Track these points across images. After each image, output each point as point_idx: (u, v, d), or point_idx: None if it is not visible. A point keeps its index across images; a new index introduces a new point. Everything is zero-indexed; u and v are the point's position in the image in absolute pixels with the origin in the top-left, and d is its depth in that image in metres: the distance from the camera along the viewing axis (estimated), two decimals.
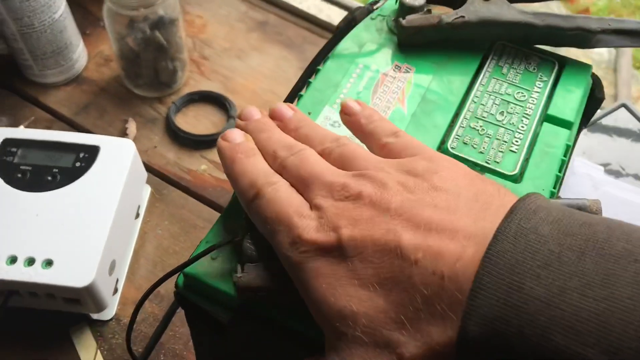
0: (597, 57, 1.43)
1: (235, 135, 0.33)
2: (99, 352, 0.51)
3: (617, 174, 0.56)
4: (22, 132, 0.55)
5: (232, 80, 0.69)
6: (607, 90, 1.47)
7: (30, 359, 0.51)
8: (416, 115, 0.41)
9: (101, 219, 0.50)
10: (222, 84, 0.69)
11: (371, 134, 0.33)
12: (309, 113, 0.41)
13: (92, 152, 0.54)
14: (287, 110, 0.35)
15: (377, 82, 0.43)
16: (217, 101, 0.67)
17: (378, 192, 0.28)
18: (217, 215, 0.59)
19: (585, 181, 0.55)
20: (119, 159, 0.54)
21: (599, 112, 0.61)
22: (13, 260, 0.48)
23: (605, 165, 0.57)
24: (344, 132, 0.40)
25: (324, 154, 0.31)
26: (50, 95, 0.67)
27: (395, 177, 0.28)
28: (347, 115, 0.35)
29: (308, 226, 0.28)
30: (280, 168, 0.31)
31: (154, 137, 0.64)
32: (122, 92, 0.68)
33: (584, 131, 0.61)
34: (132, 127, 0.64)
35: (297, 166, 0.30)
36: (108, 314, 0.53)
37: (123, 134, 0.64)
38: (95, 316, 0.53)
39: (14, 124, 0.65)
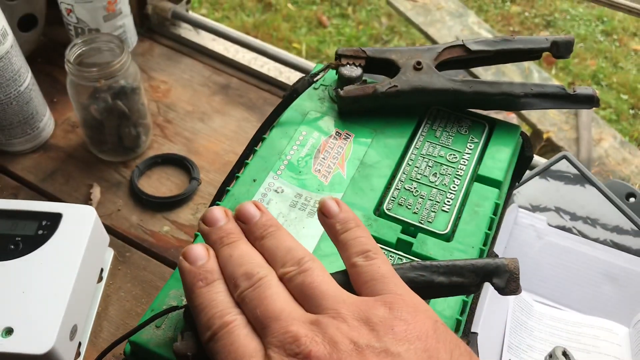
0: None
1: (197, 253, 0.33)
2: None
3: (560, 218, 0.59)
4: None
5: (195, 142, 0.72)
6: (569, 133, 1.51)
7: None
8: (355, 179, 0.43)
9: (62, 285, 0.52)
10: (185, 146, 0.72)
11: (344, 245, 0.34)
12: (254, 180, 0.43)
13: (54, 220, 0.56)
14: (254, 211, 0.35)
15: (319, 148, 0.45)
16: (179, 163, 0.69)
17: (327, 354, 0.28)
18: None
19: (530, 231, 0.57)
20: (80, 226, 0.56)
21: (543, 164, 0.64)
22: None
23: (549, 210, 0.60)
24: (288, 197, 0.42)
25: (284, 280, 0.32)
26: (17, 162, 0.69)
27: (348, 332, 0.29)
28: (324, 216, 0.35)
29: (300, 338, 0.28)
30: (240, 299, 0.31)
31: (118, 200, 0.66)
32: (87, 157, 0.70)
33: (533, 180, 0.64)
34: (96, 191, 0.66)
35: (255, 304, 0.31)
36: None
37: (88, 199, 0.66)
38: None
39: None
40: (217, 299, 0.31)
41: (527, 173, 0.64)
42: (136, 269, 0.61)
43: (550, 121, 1.44)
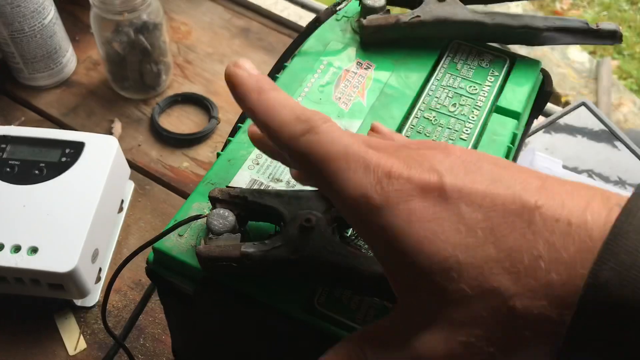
0: (578, 66, 1.47)
1: (250, 66, 0.28)
2: (81, 336, 0.54)
3: (574, 169, 0.60)
4: (11, 130, 0.58)
5: (214, 83, 0.73)
6: (588, 97, 1.50)
7: (15, 343, 0.53)
8: (374, 107, 0.44)
9: (84, 210, 0.53)
10: (204, 86, 0.72)
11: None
12: None
13: (77, 148, 0.57)
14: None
15: (340, 77, 0.46)
16: (199, 102, 0.70)
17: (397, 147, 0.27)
18: None
19: (546, 173, 0.58)
20: (102, 155, 0.57)
21: (560, 111, 0.64)
22: (0, 247, 0.51)
23: (564, 160, 0.60)
24: None
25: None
26: (40, 97, 0.70)
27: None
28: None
29: (395, 163, 0.24)
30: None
31: (139, 136, 0.67)
32: (109, 94, 0.71)
33: (547, 130, 0.64)
34: (117, 126, 0.67)
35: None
36: (91, 300, 0.56)
37: (109, 133, 0.67)
38: (78, 303, 0.55)
39: (4, 123, 0.68)
40: (294, 101, 0.27)
41: (545, 120, 0.64)
42: (156, 201, 0.63)
43: (569, 85, 1.43)
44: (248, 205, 0.36)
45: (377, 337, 0.25)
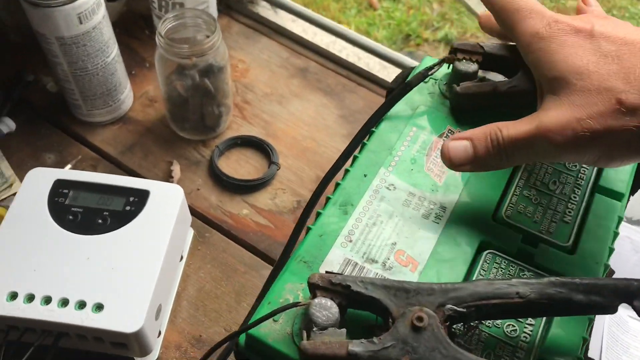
0: None
1: None
2: None
3: None
4: (73, 174, 0.57)
5: (273, 126, 0.71)
6: None
7: None
8: (470, 182, 0.42)
9: (150, 264, 0.52)
10: (263, 128, 0.71)
11: None
12: (365, 175, 0.42)
13: (142, 196, 0.55)
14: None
15: (431, 146, 0.44)
16: (258, 146, 0.68)
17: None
18: (258, 260, 0.60)
19: (626, 244, 0.55)
20: (167, 204, 0.55)
21: None
22: (64, 303, 0.49)
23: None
24: (401, 196, 0.41)
25: None
26: (96, 134, 0.69)
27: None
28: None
29: (563, 16, 0.37)
30: None
31: (197, 179, 0.66)
32: (166, 133, 0.69)
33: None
34: (177, 169, 0.66)
35: None
36: (151, 357, 0.54)
37: (168, 175, 0.65)
38: (138, 359, 0.53)
39: (61, 160, 0.66)
40: None
41: None
42: (215, 250, 0.61)
43: None
44: (350, 295, 0.34)
45: (510, 123, 0.37)
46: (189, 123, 0.67)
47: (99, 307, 0.49)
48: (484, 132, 0.37)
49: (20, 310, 0.48)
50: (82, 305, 0.49)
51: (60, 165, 0.66)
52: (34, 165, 0.66)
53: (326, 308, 0.33)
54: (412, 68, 0.49)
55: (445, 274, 0.38)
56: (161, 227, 0.54)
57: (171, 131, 0.69)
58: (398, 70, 0.77)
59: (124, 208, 0.55)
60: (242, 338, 0.36)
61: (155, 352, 0.54)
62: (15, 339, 0.50)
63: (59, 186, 0.56)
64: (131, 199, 0.55)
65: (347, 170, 0.43)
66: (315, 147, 0.69)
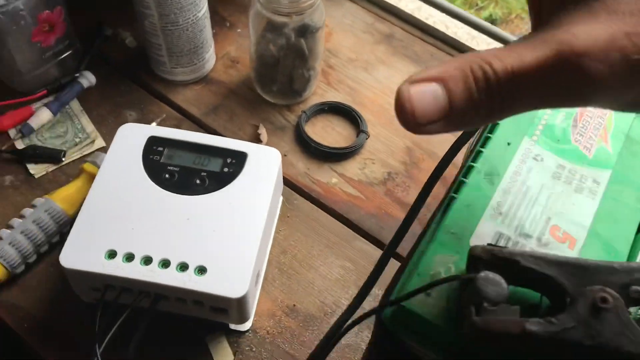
0: None
1: None
2: None
3: None
4: (167, 132, 0.54)
5: (359, 93, 0.68)
6: None
7: None
8: (622, 155, 0.39)
9: (252, 228, 0.49)
10: (348, 95, 0.68)
11: None
12: (508, 143, 0.39)
13: (239, 158, 0.53)
14: None
15: (576, 117, 0.41)
16: (346, 113, 0.66)
17: None
18: (348, 231, 0.58)
19: None
20: (266, 167, 0.53)
21: None
22: (165, 264, 0.47)
23: None
24: (549, 168, 0.38)
25: None
26: (178, 93, 0.67)
27: None
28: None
29: None
30: None
31: (284, 145, 0.63)
32: (250, 96, 0.67)
33: None
34: (264, 133, 0.63)
35: None
36: (246, 325, 0.52)
37: (254, 139, 0.63)
38: (232, 326, 0.52)
39: (142, 118, 0.64)
40: None
41: None
42: (305, 218, 0.58)
43: None
44: (518, 271, 0.31)
45: (503, 51, 0.25)
46: (277, 85, 0.64)
47: (201, 270, 0.47)
48: (462, 69, 0.25)
49: (119, 269, 0.46)
50: (184, 267, 0.47)
51: (141, 123, 0.63)
52: (114, 122, 0.64)
53: (495, 283, 0.31)
54: None
55: (606, 253, 0.35)
56: (260, 191, 0.52)
57: (255, 94, 0.67)
58: (488, 41, 0.73)
59: (221, 169, 0.52)
60: (389, 311, 0.34)
61: (251, 320, 0.52)
62: (111, 299, 0.48)
63: (153, 143, 0.53)
64: (228, 160, 0.53)
65: (487, 137, 0.40)
66: None
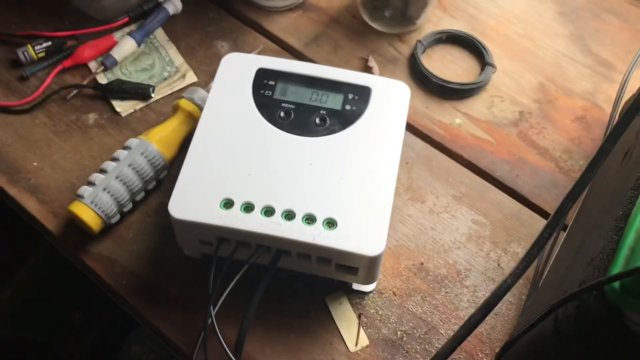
0: None
1: None
2: (361, 329, 0.44)
3: None
4: (278, 63, 0.47)
5: (480, 21, 0.59)
6: None
7: (284, 328, 0.44)
8: None
9: (384, 175, 0.42)
10: (468, 23, 0.59)
11: None
12: None
13: (363, 94, 0.46)
14: None
15: None
16: (468, 44, 0.57)
17: None
18: (479, 180, 0.51)
19: None
20: (393, 104, 0.46)
21: None
22: (290, 215, 0.40)
23: None
24: None
25: None
26: (274, 22, 0.59)
27: None
28: None
29: None
30: None
31: (397, 80, 0.55)
32: (355, 24, 0.58)
33: None
34: (375, 67, 0.55)
35: None
36: (371, 285, 0.45)
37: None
38: (355, 286, 0.45)
39: (236, 50, 0.56)
40: None
41: None
42: (428, 164, 0.51)
43: None
44: None
45: None
46: (387, 11, 0.56)
47: (330, 223, 0.40)
48: None
49: (239, 220, 0.40)
50: (310, 219, 0.40)
51: None
52: (205, 54, 0.57)
53: None
54: None
55: None
56: (390, 132, 0.44)
57: (360, 22, 0.58)
58: None
59: (343, 107, 0.45)
60: (617, 282, 0.27)
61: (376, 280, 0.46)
62: (227, 255, 0.42)
63: (264, 76, 0.46)
64: (350, 96, 0.46)
65: None
66: (534, 47, 0.58)
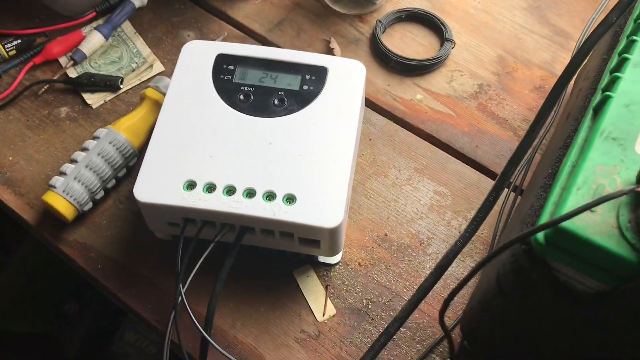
0: None
1: None
2: (328, 300, 0.46)
3: None
4: (236, 48, 0.48)
5: None
6: None
7: (254, 302, 0.46)
8: None
9: (341, 151, 0.44)
10: (427, 1, 0.60)
11: None
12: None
13: (319, 74, 0.47)
14: None
15: None
16: (427, 21, 0.58)
17: None
18: (440, 152, 0.52)
19: None
20: (350, 82, 0.47)
21: None
22: (250, 193, 0.42)
23: None
24: None
25: None
26: (237, 8, 0.60)
27: None
28: None
29: None
30: None
31: (359, 60, 0.57)
32: (317, 8, 0.60)
33: None
34: (337, 48, 0.57)
35: None
36: (336, 257, 0.47)
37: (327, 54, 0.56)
38: (322, 259, 0.47)
39: (202, 39, 0.58)
40: None
41: None
42: (390, 139, 0.53)
43: None
44: None
45: None
46: None
47: (290, 198, 0.42)
48: None
49: (201, 200, 0.42)
50: (271, 196, 0.42)
51: None
52: (171, 44, 0.58)
53: None
54: None
55: None
56: (346, 109, 0.46)
57: (322, 5, 0.60)
58: None
59: (301, 87, 0.47)
60: (542, 235, 0.28)
61: (340, 252, 0.47)
62: (192, 235, 0.44)
63: (223, 62, 0.48)
64: (307, 76, 0.47)
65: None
66: (492, 21, 0.59)
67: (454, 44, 0.57)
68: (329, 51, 0.56)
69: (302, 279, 0.47)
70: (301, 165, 0.43)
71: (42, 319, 0.82)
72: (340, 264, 0.47)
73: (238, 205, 0.41)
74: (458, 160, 0.52)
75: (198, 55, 0.48)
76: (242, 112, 0.45)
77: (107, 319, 0.85)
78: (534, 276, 0.30)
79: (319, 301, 0.46)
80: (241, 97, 0.46)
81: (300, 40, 0.58)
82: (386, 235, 0.48)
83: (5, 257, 0.79)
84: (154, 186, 0.42)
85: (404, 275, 0.47)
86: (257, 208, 0.41)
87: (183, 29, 0.59)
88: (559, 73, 0.56)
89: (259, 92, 0.46)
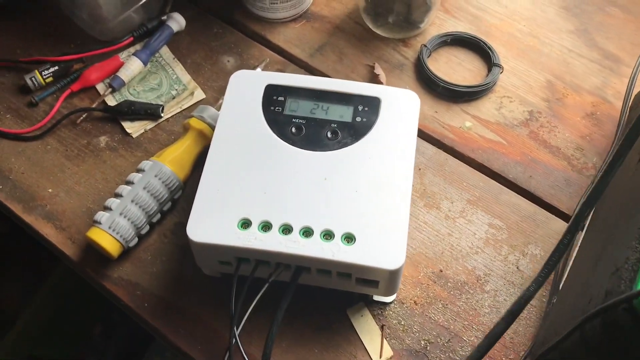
0: None
1: None
2: (384, 340, 0.44)
3: None
4: (286, 78, 0.47)
5: (484, 22, 0.59)
6: None
7: (306, 343, 0.44)
8: None
9: (399, 186, 0.42)
10: (471, 24, 0.59)
11: None
12: None
13: (372, 105, 0.46)
14: None
15: None
16: (473, 45, 0.57)
17: None
18: (492, 183, 0.51)
19: None
20: (404, 113, 0.46)
21: None
22: (307, 232, 0.40)
23: None
24: None
25: None
26: (277, 33, 0.59)
27: None
28: None
29: None
30: None
31: (404, 86, 0.55)
32: (359, 31, 0.58)
33: None
34: (382, 74, 0.55)
35: None
36: (391, 296, 0.46)
37: (371, 81, 0.55)
38: (376, 297, 0.45)
39: (242, 64, 0.57)
40: None
41: None
42: (440, 169, 0.51)
43: None
44: None
45: None
46: (391, 17, 0.56)
47: (348, 238, 0.40)
48: None
49: (257, 240, 0.40)
50: (329, 235, 0.40)
51: (241, 69, 0.56)
52: (211, 70, 0.57)
53: None
54: None
55: None
56: (402, 142, 0.44)
57: (364, 28, 0.58)
58: None
59: (353, 119, 0.45)
60: None
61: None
62: (246, 274, 0.42)
63: (273, 93, 0.46)
64: (360, 107, 0.46)
65: None
66: (539, 45, 0.57)
67: (502, 69, 0.55)
68: (374, 77, 0.55)
69: (356, 319, 0.45)
70: (359, 202, 0.42)
71: (70, 343, 0.80)
72: (395, 302, 0.46)
73: (296, 246, 0.40)
74: (512, 191, 0.50)
75: (246, 86, 0.47)
76: (295, 146, 0.44)
77: (134, 343, 0.83)
78: (631, 336, 0.28)
79: (374, 342, 0.44)
80: (293, 129, 0.45)
81: (343, 65, 0.57)
82: (441, 271, 0.47)
83: (39, 282, 0.77)
84: (207, 225, 0.41)
85: (462, 314, 0.45)
86: (315, 248, 0.40)
87: (222, 54, 0.58)
88: (611, 99, 0.55)
89: (311, 125, 0.45)
